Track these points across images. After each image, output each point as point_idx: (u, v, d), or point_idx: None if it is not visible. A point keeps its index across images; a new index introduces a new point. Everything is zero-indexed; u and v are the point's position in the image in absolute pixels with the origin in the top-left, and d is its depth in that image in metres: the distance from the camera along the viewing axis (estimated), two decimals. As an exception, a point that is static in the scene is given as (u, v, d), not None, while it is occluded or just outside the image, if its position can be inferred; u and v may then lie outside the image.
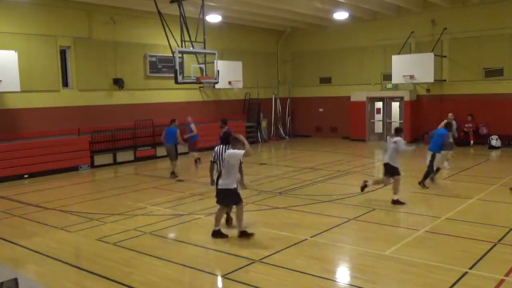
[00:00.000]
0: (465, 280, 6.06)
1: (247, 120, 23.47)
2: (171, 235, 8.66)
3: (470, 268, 6.42)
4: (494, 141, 19.05)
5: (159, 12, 16.09)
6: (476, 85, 19.99)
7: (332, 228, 8.53)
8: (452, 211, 9.49)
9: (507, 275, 6.19)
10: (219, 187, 8.01)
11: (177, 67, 15.72)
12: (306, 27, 24.15)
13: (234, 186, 7.94)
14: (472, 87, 20.10)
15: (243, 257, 7.09)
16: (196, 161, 14.63)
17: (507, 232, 7.96)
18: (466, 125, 20.02)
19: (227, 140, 8.44)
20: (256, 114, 23.80)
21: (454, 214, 9.31)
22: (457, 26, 20.03)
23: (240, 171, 8.53)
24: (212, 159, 8.57)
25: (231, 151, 7.93)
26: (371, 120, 23.18)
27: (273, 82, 25.29)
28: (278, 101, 25.08)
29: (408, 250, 7.25)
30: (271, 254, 7.16)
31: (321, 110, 24.96)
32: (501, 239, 7.65)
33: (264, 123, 24.19)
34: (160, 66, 19.37)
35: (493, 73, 19.61)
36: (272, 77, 25.32)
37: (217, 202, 8.14)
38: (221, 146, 8.50)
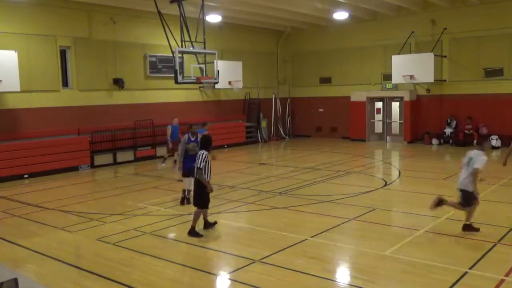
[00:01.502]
0: (465, 280, 6.06)
1: (247, 120, 23.48)
2: (171, 235, 8.66)
3: (470, 268, 6.42)
4: (494, 141, 19.03)
5: (159, 12, 16.10)
6: (476, 85, 19.99)
7: (332, 228, 8.53)
8: (452, 211, 9.47)
9: (507, 275, 6.18)
10: (459, 186, 8.00)
11: (177, 67, 15.72)
12: (306, 27, 24.15)
13: (471, 189, 7.91)
14: (472, 87, 20.10)
15: (243, 257, 7.10)
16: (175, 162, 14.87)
17: (507, 232, 7.96)
18: (466, 126, 20.05)
19: (208, 145, 8.23)
20: (256, 114, 23.79)
21: (454, 214, 9.29)
22: (457, 26, 20.02)
23: (209, 172, 8.19)
24: (199, 166, 8.04)
25: (478, 152, 7.85)
26: (371, 120, 23.16)
27: (273, 82, 25.30)
28: (278, 101, 25.08)
29: (408, 250, 7.25)
30: (271, 254, 7.16)
31: (321, 110, 24.96)
32: (501, 239, 7.65)
33: (264, 123, 24.18)
34: (160, 66, 19.36)
35: (493, 73, 19.60)
36: (272, 77, 25.33)
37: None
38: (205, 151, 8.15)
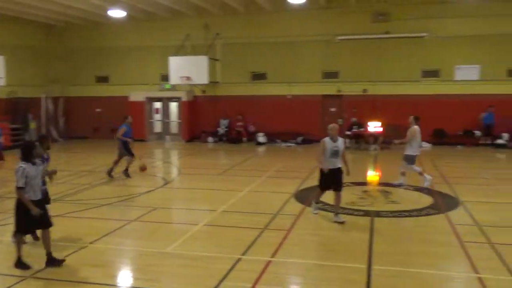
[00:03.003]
0: (239, 266, 6.64)
1: (11, 122, 20.94)
2: None
3: (243, 254, 7.06)
4: (261, 137, 21.31)
5: None
6: (245, 87, 22.01)
7: (113, 231, 8.31)
8: (226, 203, 10.25)
9: (273, 256, 7.01)
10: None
11: None
12: (81, 22, 22.85)
13: None
14: (242, 89, 22.05)
15: (12, 275, 6.33)
16: None
17: (272, 219, 9.00)
18: (238, 123, 21.90)
19: (28, 155, 6.54)
20: (23, 115, 21.48)
21: (228, 206, 10.09)
22: (228, 32, 21.69)
23: None
24: (19, 184, 6.40)
25: None
26: (150, 120, 23.36)
27: (44, 79, 23.23)
28: (49, 100, 23.14)
29: (189, 245, 7.57)
30: (47, 268, 6.57)
31: (98, 110, 23.96)
32: (267, 224, 8.61)
33: (33, 125, 21.98)
34: None
35: (259, 76, 21.93)
36: (42, 75, 23.27)
37: None
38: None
